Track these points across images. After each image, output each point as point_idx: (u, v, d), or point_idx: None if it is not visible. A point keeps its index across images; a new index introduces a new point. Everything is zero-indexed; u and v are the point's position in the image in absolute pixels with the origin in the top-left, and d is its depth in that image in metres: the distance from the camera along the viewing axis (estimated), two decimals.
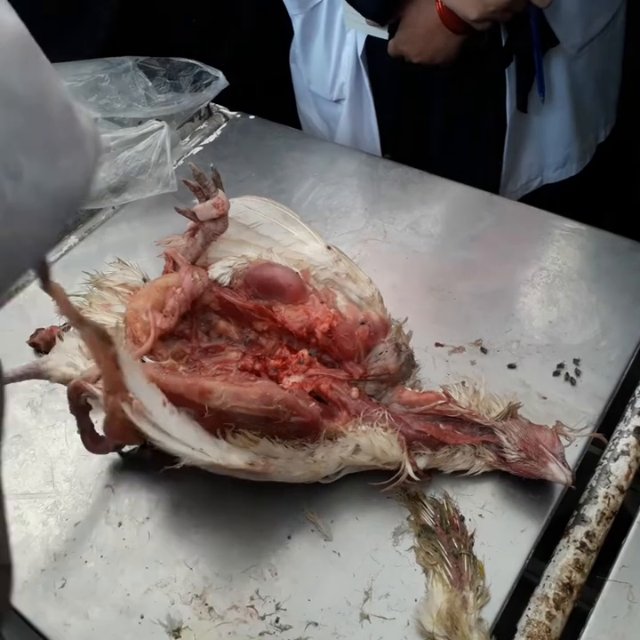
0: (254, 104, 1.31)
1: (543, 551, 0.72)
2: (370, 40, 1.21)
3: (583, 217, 1.04)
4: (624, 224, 1.04)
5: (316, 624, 0.68)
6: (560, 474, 0.71)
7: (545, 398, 0.83)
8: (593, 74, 1.26)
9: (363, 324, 0.79)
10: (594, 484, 0.76)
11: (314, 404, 0.74)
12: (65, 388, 0.75)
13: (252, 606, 0.70)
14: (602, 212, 1.07)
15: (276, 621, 0.69)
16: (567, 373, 0.85)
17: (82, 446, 0.77)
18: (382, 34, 1.17)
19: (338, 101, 1.35)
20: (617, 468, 0.77)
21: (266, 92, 1.51)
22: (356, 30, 1.21)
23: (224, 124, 1.27)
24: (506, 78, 1.19)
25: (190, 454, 0.68)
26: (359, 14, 1.16)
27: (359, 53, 1.24)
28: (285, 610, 0.69)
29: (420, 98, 1.26)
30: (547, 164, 1.32)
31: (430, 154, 1.32)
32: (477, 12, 1.02)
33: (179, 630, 0.69)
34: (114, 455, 0.81)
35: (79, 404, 0.75)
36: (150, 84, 1.17)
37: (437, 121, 1.29)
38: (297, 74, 1.43)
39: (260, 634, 0.68)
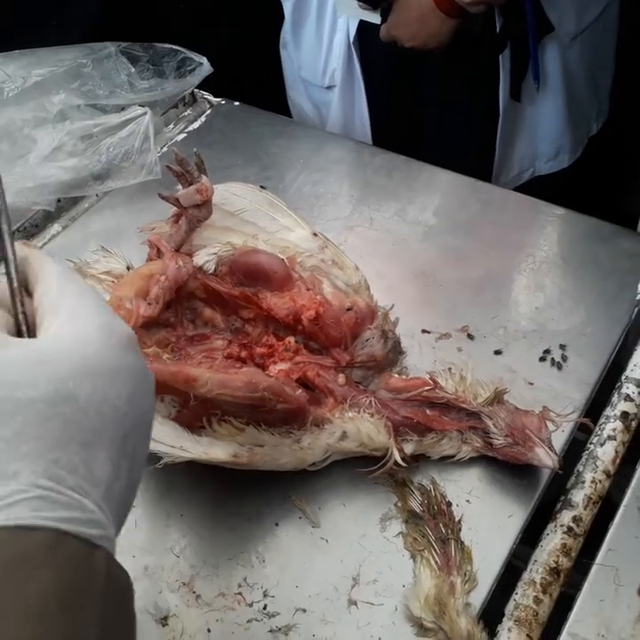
0: (241, 91, 1.30)
1: (530, 536, 0.73)
2: (362, 25, 1.20)
3: (573, 208, 1.03)
4: (610, 213, 1.04)
5: (304, 610, 0.68)
6: (547, 459, 0.71)
7: (531, 384, 0.83)
8: (586, 64, 1.26)
9: (349, 310, 0.79)
10: (581, 469, 0.76)
11: (300, 390, 0.74)
12: None
13: (240, 593, 0.70)
14: (591, 203, 1.07)
15: (264, 608, 0.68)
16: (553, 359, 0.85)
17: None
18: (375, 18, 1.16)
19: (329, 88, 1.33)
20: (604, 453, 0.77)
21: (254, 79, 1.50)
22: (348, 15, 1.20)
23: (208, 111, 1.25)
24: (500, 65, 1.18)
25: (171, 452, 0.68)
26: None
27: (351, 39, 1.22)
28: (273, 596, 0.69)
29: (413, 84, 1.25)
30: (539, 155, 1.32)
31: (423, 141, 1.31)
32: None
33: (166, 618, 0.68)
34: None
35: None
36: (133, 70, 1.15)
37: (430, 108, 1.28)
38: (287, 60, 1.42)
39: (248, 621, 0.68)
